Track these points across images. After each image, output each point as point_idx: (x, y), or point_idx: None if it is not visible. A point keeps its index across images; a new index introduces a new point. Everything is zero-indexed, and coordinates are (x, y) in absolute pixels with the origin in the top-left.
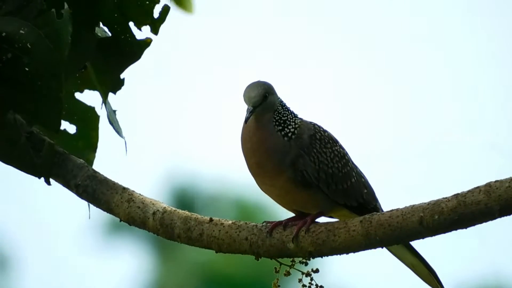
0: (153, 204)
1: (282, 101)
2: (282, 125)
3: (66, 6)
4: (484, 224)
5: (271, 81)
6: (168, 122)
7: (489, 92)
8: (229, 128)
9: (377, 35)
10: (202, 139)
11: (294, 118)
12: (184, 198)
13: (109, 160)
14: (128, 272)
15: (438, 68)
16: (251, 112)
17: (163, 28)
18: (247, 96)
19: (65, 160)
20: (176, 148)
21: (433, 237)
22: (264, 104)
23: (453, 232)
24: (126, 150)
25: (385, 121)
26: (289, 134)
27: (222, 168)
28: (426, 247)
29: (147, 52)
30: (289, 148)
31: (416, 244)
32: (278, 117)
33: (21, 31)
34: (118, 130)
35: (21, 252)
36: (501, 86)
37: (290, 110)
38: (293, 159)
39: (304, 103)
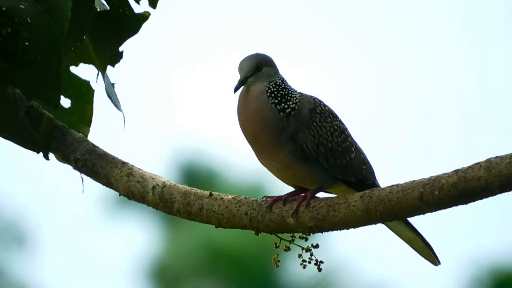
0: (152, 178)
1: (282, 77)
2: (279, 98)
3: None
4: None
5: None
6: (167, 97)
7: (481, 92)
8: (230, 101)
9: (374, 35)
10: (204, 112)
11: (294, 93)
12: (189, 174)
13: (108, 135)
14: (136, 245)
15: (431, 68)
16: (241, 83)
17: (161, 1)
18: (239, 66)
19: (64, 134)
20: (177, 122)
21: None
22: (256, 75)
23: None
24: (125, 124)
25: (377, 121)
26: (288, 110)
27: (225, 141)
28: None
29: (145, 26)
30: (287, 124)
31: (432, 216)
32: (275, 89)
33: (21, 6)
34: (116, 104)
35: (35, 230)
36: (492, 86)
37: (290, 87)
38: (293, 134)
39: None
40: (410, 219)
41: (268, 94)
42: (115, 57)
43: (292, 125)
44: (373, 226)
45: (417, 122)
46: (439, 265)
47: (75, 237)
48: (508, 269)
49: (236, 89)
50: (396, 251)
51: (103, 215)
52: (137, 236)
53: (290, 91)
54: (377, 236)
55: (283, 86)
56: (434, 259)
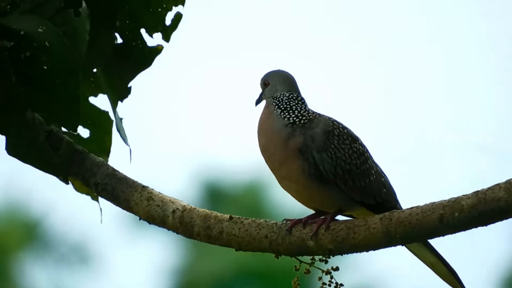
0: (172, 202)
1: (291, 93)
2: (283, 110)
3: (84, 4)
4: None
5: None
6: (183, 122)
7: (477, 92)
8: (244, 126)
9: (369, 37)
10: (222, 136)
11: (302, 109)
12: (211, 196)
13: (127, 160)
14: (162, 260)
15: (427, 68)
16: (259, 96)
17: (174, 35)
18: None
19: (84, 158)
20: (193, 144)
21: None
22: (265, 91)
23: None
24: (131, 159)
25: (371, 121)
26: (291, 120)
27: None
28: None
29: (158, 59)
30: (292, 133)
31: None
32: (277, 102)
33: (39, 30)
34: (124, 138)
35: (57, 241)
36: (489, 86)
37: (301, 102)
38: (300, 147)
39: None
40: (432, 243)
41: (274, 105)
42: (124, 93)
43: (298, 136)
44: (394, 249)
45: (403, 122)
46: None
47: (96, 251)
48: None
49: (256, 103)
50: (417, 275)
51: (129, 231)
52: (163, 251)
53: (296, 106)
54: (398, 259)
55: (287, 100)
56: (457, 285)
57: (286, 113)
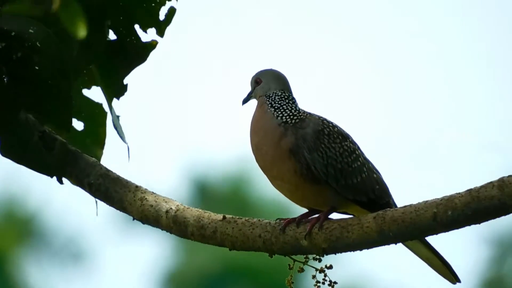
0: (165, 202)
1: (283, 92)
2: (276, 109)
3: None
4: None
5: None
6: (176, 119)
7: (487, 92)
8: (237, 123)
9: (372, 35)
10: (213, 131)
11: (293, 108)
12: (201, 192)
13: (122, 156)
14: (151, 257)
15: (435, 67)
16: (248, 95)
17: (168, 30)
18: None
19: (77, 158)
20: (186, 141)
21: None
22: (256, 90)
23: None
24: (129, 156)
25: (379, 120)
26: (284, 119)
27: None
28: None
29: (152, 54)
30: (283, 132)
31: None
32: (269, 102)
33: (30, 30)
34: (121, 135)
35: (51, 237)
36: (498, 86)
37: (293, 103)
38: (292, 147)
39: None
40: (427, 238)
41: (267, 104)
42: (120, 90)
43: (290, 136)
44: (389, 246)
45: (413, 121)
46: (458, 284)
47: (89, 249)
48: None
49: (243, 102)
50: (413, 270)
51: (122, 228)
52: (153, 249)
53: (287, 106)
54: (393, 255)
55: (279, 99)
56: (452, 278)
57: (279, 112)
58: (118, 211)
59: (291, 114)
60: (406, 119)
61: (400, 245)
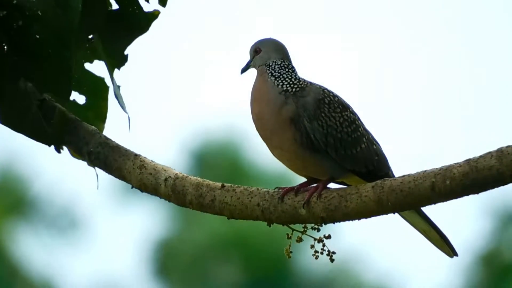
0: (164, 170)
1: (283, 61)
2: (276, 78)
3: None
4: None
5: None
6: (176, 90)
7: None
8: (240, 95)
9: (370, 39)
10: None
11: (293, 78)
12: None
13: (124, 130)
14: (147, 229)
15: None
16: (246, 64)
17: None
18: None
19: (76, 127)
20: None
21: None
22: (255, 59)
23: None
24: (129, 126)
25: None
26: (284, 88)
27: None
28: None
29: (154, 24)
30: (284, 101)
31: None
32: (270, 71)
33: None
34: (122, 106)
35: (46, 207)
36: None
37: (293, 71)
38: (292, 116)
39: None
40: (425, 210)
41: (268, 74)
42: (121, 60)
43: (290, 105)
44: (387, 216)
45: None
46: (455, 257)
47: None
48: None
49: (241, 71)
50: (410, 242)
51: (119, 198)
52: (149, 220)
53: (287, 74)
54: (390, 226)
55: (278, 68)
56: (449, 251)
57: (279, 81)
58: (116, 180)
59: (291, 82)
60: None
61: (398, 218)
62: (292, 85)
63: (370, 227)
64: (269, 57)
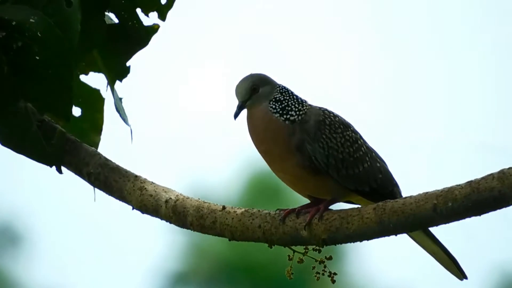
0: (165, 192)
1: (283, 88)
2: (281, 111)
3: None
4: None
5: (267, 69)
6: (176, 105)
7: (479, 91)
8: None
9: (370, 38)
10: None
11: (297, 104)
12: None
13: (119, 143)
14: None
15: (428, 67)
16: (239, 108)
17: (170, 14)
18: (236, 92)
19: (77, 148)
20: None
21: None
22: (255, 97)
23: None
24: (132, 139)
25: (371, 118)
26: (291, 118)
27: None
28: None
29: (154, 38)
30: (293, 132)
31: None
32: (276, 105)
33: (31, 20)
34: (124, 118)
35: (34, 232)
36: (491, 85)
37: (293, 96)
38: (298, 143)
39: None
40: (433, 231)
41: (272, 110)
42: (123, 72)
43: (297, 134)
44: (393, 238)
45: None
46: (464, 280)
47: (75, 239)
48: None
49: (235, 115)
50: (417, 263)
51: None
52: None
53: (291, 102)
54: (395, 248)
55: (283, 99)
56: (458, 274)
57: (286, 115)
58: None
59: (295, 114)
60: (396, 118)
61: (407, 240)
62: (297, 112)
63: (377, 248)
64: (268, 94)
